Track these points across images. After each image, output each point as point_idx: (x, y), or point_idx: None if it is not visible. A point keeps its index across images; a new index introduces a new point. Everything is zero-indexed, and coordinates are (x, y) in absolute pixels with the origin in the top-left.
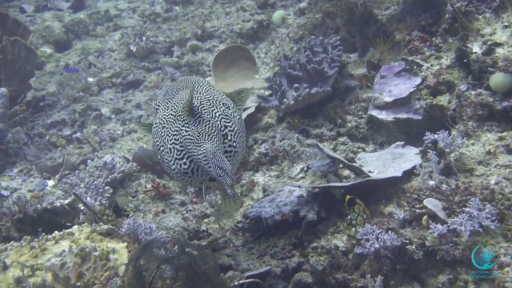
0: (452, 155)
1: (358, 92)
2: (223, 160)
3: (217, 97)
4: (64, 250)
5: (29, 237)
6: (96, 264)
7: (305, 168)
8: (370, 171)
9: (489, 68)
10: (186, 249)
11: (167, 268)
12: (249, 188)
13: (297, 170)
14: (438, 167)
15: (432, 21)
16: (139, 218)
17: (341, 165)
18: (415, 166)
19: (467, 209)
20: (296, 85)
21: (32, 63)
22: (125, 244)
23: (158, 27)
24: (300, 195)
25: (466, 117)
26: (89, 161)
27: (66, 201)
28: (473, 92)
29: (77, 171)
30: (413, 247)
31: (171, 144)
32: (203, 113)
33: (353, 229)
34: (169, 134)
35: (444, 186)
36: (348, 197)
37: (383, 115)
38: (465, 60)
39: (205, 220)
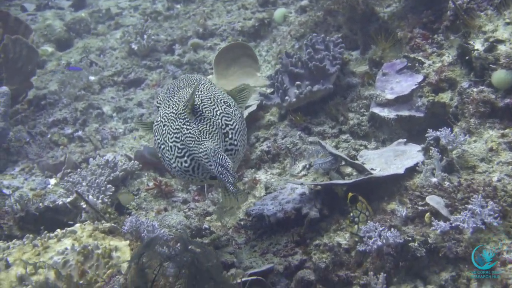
0: (454, 152)
1: (360, 89)
2: (224, 158)
3: (218, 95)
4: (66, 248)
5: (31, 235)
6: (98, 262)
7: (307, 166)
8: (372, 169)
9: (491, 65)
10: (189, 247)
11: (169, 266)
12: (251, 186)
13: (299, 168)
14: (440, 164)
15: (434, 18)
16: (141, 216)
17: (343, 163)
18: (417, 163)
19: (469, 206)
20: (298, 82)
21: (33, 62)
22: (128, 242)
23: (160, 25)
24: (303, 193)
25: (468, 114)
26: (91, 159)
27: (68, 200)
28: (475, 89)
29: (79, 170)
30: (416, 244)
31: (172, 142)
32: (204, 111)
33: (356, 226)
34: (170, 132)
35: (447, 183)
36: (350, 194)
37: (385, 113)
38: (467, 57)
39: (208, 218)
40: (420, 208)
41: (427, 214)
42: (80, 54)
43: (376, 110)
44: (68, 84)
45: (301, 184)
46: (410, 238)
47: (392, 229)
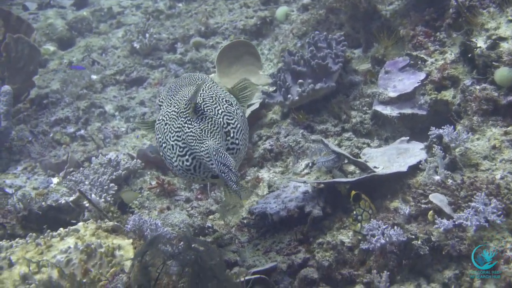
0: (457, 150)
1: (363, 87)
2: (226, 157)
3: (220, 94)
4: (69, 247)
5: (34, 234)
6: (102, 260)
7: (310, 164)
8: (375, 167)
9: (493, 63)
10: (193, 245)
11: (173, 264)
12: (254, 185)
13: (302, 166)
14: (443, 162)
15: (436, 16)
16: (144, 215)
17: (346, 161)
18: (420, 161)
19: (473, 204)
20: (300, 80)
21: (35, 61)
22: (131, 240)
23: (161, 24)
24: (306, 191)
25: (471, 112)
26: (93, 158)
27: (71, 198)
28: (477, 87)
29: (81, 168)
30: (419, 242)
31: (173, 141)
32: (206, 110)
33: (359, 224)
34: (172, 131)
35: (450, 181)
36: (353, 192)
37: (387, 111)
38: (469, 55)
39: (210, 216)
40: (423, 206)
41: (430, 212)
42: (82, 53)
43: (379, 108)
44: (70, 83)
45: (304, 182)
46: (413, 236)
47: (395, 227)
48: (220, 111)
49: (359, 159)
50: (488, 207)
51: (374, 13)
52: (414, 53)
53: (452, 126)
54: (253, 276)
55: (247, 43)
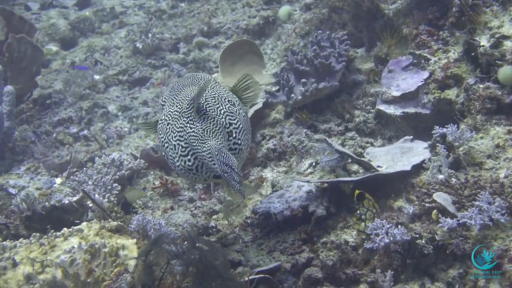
0: (461, 149)
1: (366, 86)
2: (229, 157)
3: (223, 94)
4: (73, 247)
5: (38, 234)
6: (105, 260)
7: (314, 163)
8: (379, 166)
9: (497, 61)
10: (197, 244)
11: (177, 264)
12: (257, 184)
13: (305, 165)
14: (447, 161)
15: (439, 15)
16: (147, 215)
17: (349, 160)
18: (424, 160)
19: (476, 203)
20: (303, 80)
21: (38, 61)
22: (135, 240)
23: (164, 24)
24: (309, 190)
25: (474, 110)
26: (96, 158)
27: (74, 198)
28: (481, 86)
29: (84, 169)
30: (423, 241)
31: (175, 141)
32: (208, 110)
33: (363, 224)
34: (174, 131)
35: (454, 180)
36: (357, 191)
37: (391, 110)
38: (472, 54)
39: (214, 216)
40: (427, 205)
41: (434, 211)
42: (84, 53)
43: (382, 107)
44: (73, 83)
45: (308, 181)
46: (417, 235)
47: (399, 226)
48: (223, 111)
49: (362, 158)
50: (492, 206)
51: (377, 12)
52: (417, 52)
53: (455, 125)
54: (257, 276)
55: (250, 42)
